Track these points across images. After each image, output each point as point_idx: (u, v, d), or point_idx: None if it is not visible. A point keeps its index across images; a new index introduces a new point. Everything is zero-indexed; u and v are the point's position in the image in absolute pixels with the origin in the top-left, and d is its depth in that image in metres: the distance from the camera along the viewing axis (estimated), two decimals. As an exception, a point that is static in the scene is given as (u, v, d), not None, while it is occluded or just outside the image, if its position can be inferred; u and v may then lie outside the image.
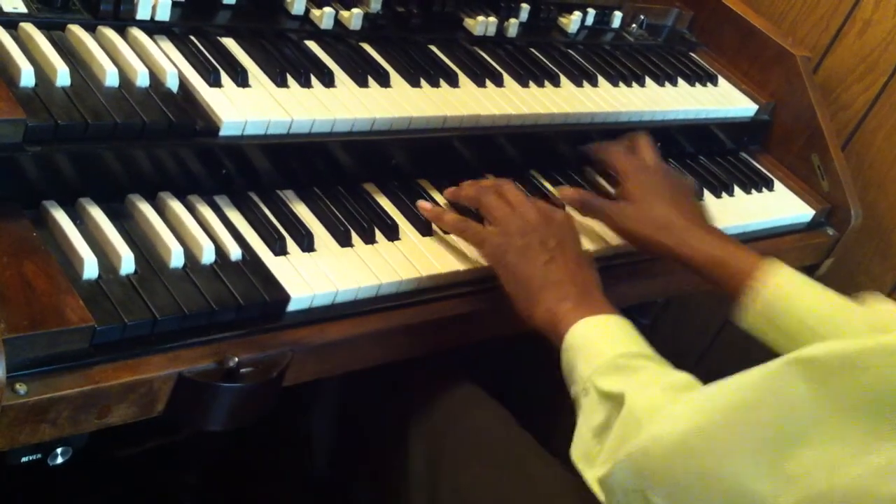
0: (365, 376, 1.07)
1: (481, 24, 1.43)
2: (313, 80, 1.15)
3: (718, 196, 1.54)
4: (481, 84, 1.32)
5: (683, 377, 0.94)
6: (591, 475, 0.91)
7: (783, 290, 1.14)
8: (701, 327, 1.95)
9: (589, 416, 0.94)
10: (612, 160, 1.30)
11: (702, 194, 1.49)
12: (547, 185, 1.35)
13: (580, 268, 1.08)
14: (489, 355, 1.40)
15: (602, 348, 0.97)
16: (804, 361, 0.77)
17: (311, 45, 1.22)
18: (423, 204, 1.16)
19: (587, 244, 1.24)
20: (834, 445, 0.75)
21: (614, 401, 0.92)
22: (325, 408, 1.28)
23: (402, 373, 1.17)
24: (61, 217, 0.91)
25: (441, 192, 1.23)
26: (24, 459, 0.88)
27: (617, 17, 1.67)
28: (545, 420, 1.32)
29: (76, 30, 1.02)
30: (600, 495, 0.90)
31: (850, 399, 0.74)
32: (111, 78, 0.97)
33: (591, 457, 0.92)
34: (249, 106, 1.06)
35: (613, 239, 1.27)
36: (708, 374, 0.91)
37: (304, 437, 1.30)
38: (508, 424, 1.17)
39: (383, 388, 1.22)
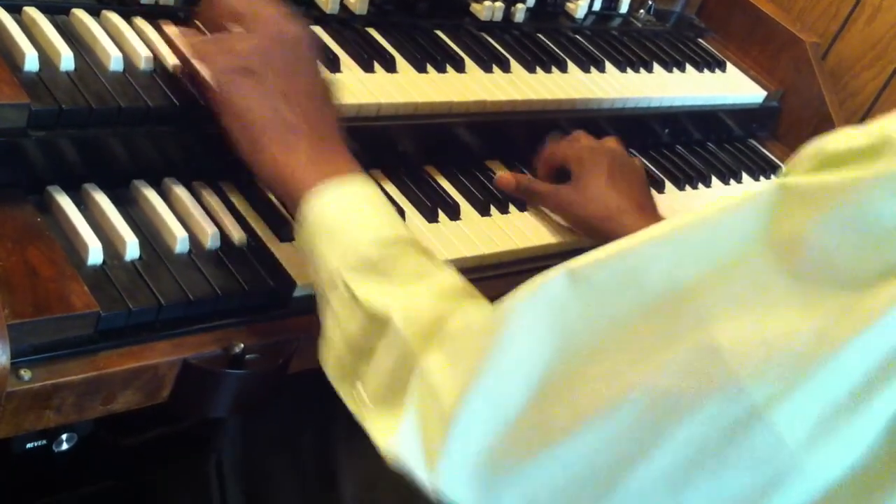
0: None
1: (488, 10, 1.42)
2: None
3: (727, 183, 1.53)
4: (488, 70, 1.31)
5: (447, 277, 0.82)
6: (347, 392, 0.80)
7: None
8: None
9: (343, 321, 0.80)
10: (557, 151, 1.24)
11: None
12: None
13: (313, 104, 0.91)
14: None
15: (350, 231, 0.82)
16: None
17: (317, 29, 1.21)
18: None
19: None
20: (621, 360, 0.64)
21: (374, 316, 0.78)
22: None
23: None
24: (66, 202, 0.91)
25: (448, 178, 1.22)
26: (28, 446, 0.88)
27: (625, 3, 1.66)
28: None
29: (80, 14, 1.01)
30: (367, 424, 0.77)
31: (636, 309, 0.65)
32: (115, 62, 0.97)
33: (346, 373, 0.80)
34: (255, 91, 1.05)
35: None
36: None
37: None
38: None
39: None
